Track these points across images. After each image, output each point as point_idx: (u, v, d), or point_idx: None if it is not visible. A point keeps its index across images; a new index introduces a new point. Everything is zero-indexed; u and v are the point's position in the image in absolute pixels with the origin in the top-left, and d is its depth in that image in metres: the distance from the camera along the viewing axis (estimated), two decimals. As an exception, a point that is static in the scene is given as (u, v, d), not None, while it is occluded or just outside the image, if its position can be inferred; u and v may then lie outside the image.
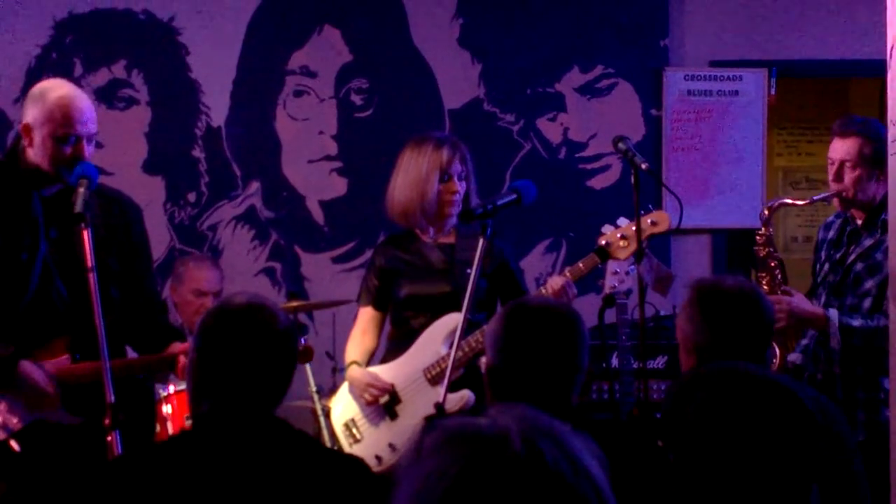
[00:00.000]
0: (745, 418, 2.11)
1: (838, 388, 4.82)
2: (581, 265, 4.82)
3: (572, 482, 1.54)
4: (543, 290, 4.83)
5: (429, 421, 4.88)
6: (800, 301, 4.86)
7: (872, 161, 4.85)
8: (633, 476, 3.04)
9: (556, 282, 4.79)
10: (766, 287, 4.98)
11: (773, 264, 5.06)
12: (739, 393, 2.15)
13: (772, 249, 5.07)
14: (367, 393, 4.98)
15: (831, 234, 5.09)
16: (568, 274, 4.82)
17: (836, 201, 5.03)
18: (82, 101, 4.32)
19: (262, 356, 3.01)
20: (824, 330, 4.80)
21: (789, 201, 5.40)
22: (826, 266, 5.04)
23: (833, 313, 4.79)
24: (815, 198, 5.16)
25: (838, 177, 4.93)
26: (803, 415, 2.11)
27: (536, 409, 1.62)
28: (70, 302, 4.25)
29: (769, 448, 2.08)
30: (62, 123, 4.23)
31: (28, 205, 4.29)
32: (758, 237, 5.13)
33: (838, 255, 5.00)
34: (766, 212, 5.14)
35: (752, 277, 7.00)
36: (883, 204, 4.82)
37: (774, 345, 4.88)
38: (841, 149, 4.93)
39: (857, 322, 4.77)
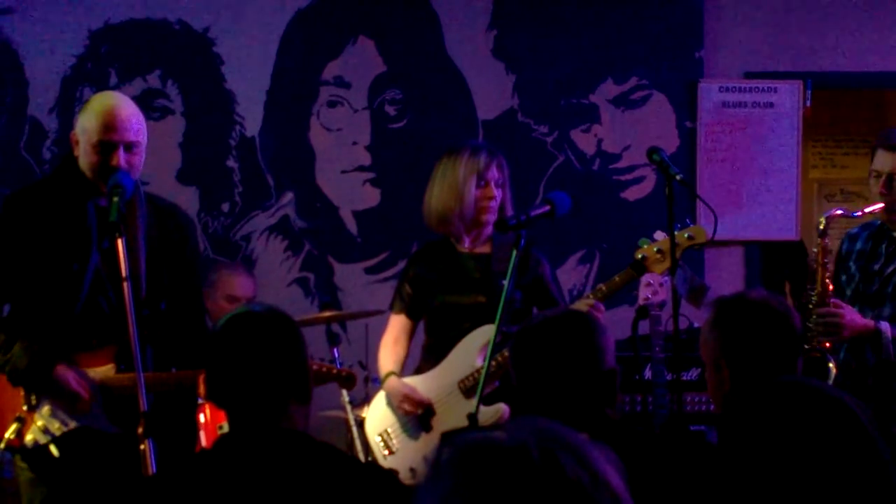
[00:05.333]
0: (806, 434, 2.09)
1: (871, 401, 4.80)
2: (617, 279, 4.81)
3: (591, 492, 1.54)
4: None
5: (446, 437, 4.90)
6: (852, 313, 4.85)
7: None
8: (678, 487, 3.02)
9: (580, 306, 4.73)
10: (815, 299, 4.92)
11: (826, 277, 4.99)
12: (801, 408, 2.13)
13: (826, 262, 5.00)
14: (405, 404, 4.99)
15: (860, 245, 5.08)
16: (604, 288, 4.80)
17: (884, 214, 5.01)
18: (124, 109, 4.33)
19: (252, 347, 3.01)
20: (875, 342, 4.80)
21: (840, 212, 5.29)
22: (857, 277, 5.03)
23: (885, 326, 4.80)
24: (866, 209, 5.07)
25: (889, 188, 4.92)
26: (863, 436, 2.09)
27: (554, 421, 1.62)
28: (117, 312, 4.26)
29: (827, 466, 2.07)
30: (98, 130, 4.26)
31: (83, 215, 4.32)
32: (814, 249, 5.06)
33: (877, 266, 5.00)
34: (823, 223, 5.05)
35: (786, 290, 7.00)
36: None
37: (831, 359, 4.84)
38: (891, 161, 4.93)
39: None
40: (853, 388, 4.82)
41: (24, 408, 4.31)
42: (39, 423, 4.30)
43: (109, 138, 4.26)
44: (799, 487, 2.06)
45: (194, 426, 4.95)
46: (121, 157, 4.26)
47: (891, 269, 4.96)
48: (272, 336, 3.02)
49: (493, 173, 4.96)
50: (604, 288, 4.80)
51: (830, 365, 4.84)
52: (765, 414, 2.15)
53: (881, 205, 4.96)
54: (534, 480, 1.53)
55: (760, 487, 2.08)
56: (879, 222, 5.07)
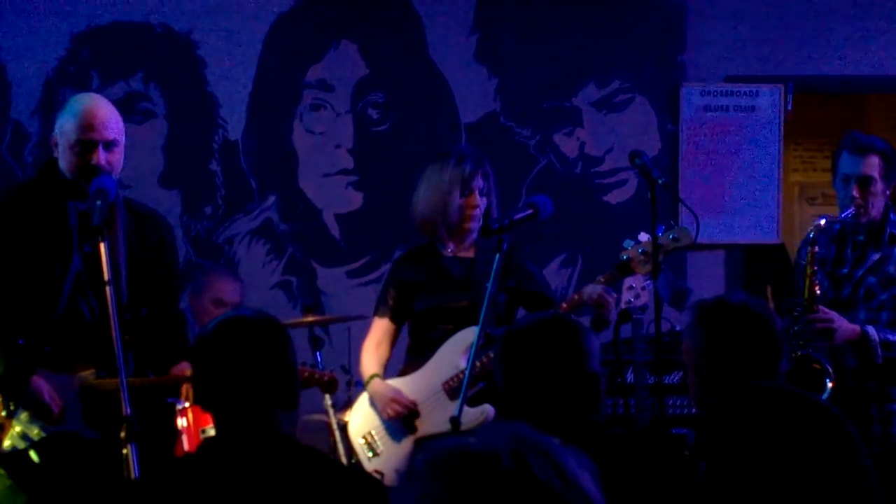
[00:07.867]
0: (784, 438, 2.10)
1: (850, 403, 4.83)
2: (602, 280, 4.82)
3: (564, 496, 1.54)
4: (564, 306, 4.83)
5: (419, 443, 4.89)
6: (840, 319, 4.87)
7: (888, 178, 4.99)
8: (658, 490, 3.03)
9: (593, 289, 4.77)
10: (805, 305, 4.92)
11: (815, 284, 4.96)
12: (779, 412, 2.14)
13: (816, 269, 4.97)
14: (389, 408, 4.98)
15: (819, 249, 5.02)
16: (602, 280, 4.82)
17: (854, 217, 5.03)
18: (102, 109, 4.34)
19: (242, 352, 3.00)
20: (862, 346, 4.82)
21: (824, 221, 5.19)
22: (826, 283, 5.05)
23: (872, 330, 4.83)
24: (841, 215, 5.05)
25: (862, 192, 4.95)
26: (842, 437, 2.11)
27: (529, 427, 1.62)
28: (99, 317, 4.24)
29: (806, 468, 2.08)
30: (77, 130, 4.26)
31: (64, 218, 4.31)
32: (804, 258, 5.03)
33: (845, 271, 5.05)
34: (813, 232, 5.02)
35: (767, 293, 7.02)
36: (885, 218, 5.00)
37: (829, 367, 4.83)
38: (866, 165, 4.97)
39: (894, 336, 4.87)
40: (833, 391, 4.84)
41: (3, 413, 4.28)
42: (18, 428, 4.28)
43: (89, 137, 4.26)
44: (777, 491, 2.07)
45: (172, 431, 4.93)
46: (101, 156, 4.27)
47: (861, 272, 5.01)
48: (262, 341, 3.02)
49: (478, 182, 4.98)
50: (603, 281, 4.83)
51: (829, 374, 4.85)
52: (740, 418, 2.16)
53: (852, 209, 4.98)
54: (506, 487, 1.54)
55: (738, 491, 2.09)
56: (839, 227, 5.09)
